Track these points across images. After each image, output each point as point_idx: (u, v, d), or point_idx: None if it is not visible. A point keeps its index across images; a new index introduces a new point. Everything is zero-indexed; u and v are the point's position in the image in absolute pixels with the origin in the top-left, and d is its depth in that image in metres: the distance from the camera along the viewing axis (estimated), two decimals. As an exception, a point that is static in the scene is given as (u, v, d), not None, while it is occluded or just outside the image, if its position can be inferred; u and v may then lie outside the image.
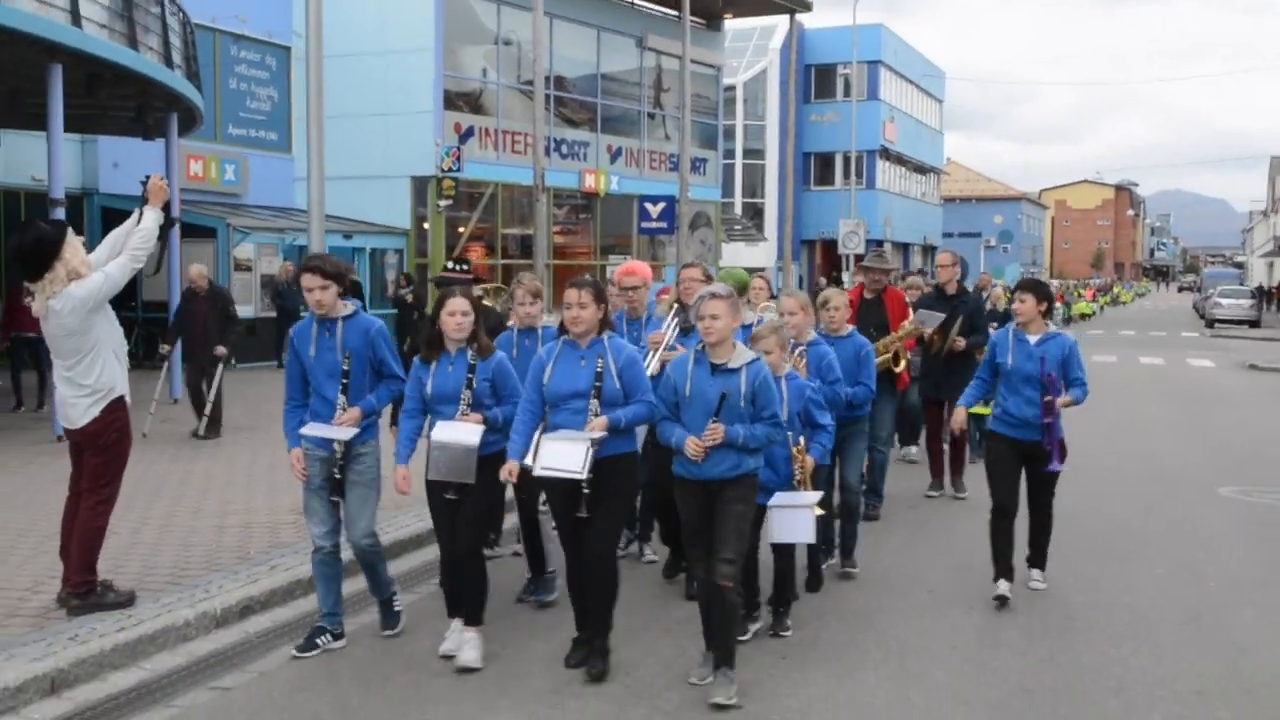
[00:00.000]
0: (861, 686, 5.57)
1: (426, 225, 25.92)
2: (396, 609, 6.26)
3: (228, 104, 23.13)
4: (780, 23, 39.42)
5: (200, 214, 20.42)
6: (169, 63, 14.66)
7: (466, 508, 5.70)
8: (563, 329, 5.87)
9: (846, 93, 40.93)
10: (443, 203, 25.46)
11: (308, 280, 5.80)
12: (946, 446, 10.28)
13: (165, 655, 5.75)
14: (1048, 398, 6.58)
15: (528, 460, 5.55)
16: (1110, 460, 12.11)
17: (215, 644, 5.95)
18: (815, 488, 6.27)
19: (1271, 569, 7.91)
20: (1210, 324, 45.67)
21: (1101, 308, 61.69)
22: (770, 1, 35.75)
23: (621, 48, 31.59)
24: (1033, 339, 6.75)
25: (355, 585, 6.52)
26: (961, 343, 9.96)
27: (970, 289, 11.50)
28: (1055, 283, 61.94)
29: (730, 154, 43.98)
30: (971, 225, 73.78)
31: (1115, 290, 77.20)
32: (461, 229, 26.97)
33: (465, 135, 26.28)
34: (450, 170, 25.28)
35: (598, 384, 5.51)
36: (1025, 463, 6.86)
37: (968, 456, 10.59)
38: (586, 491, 5.45)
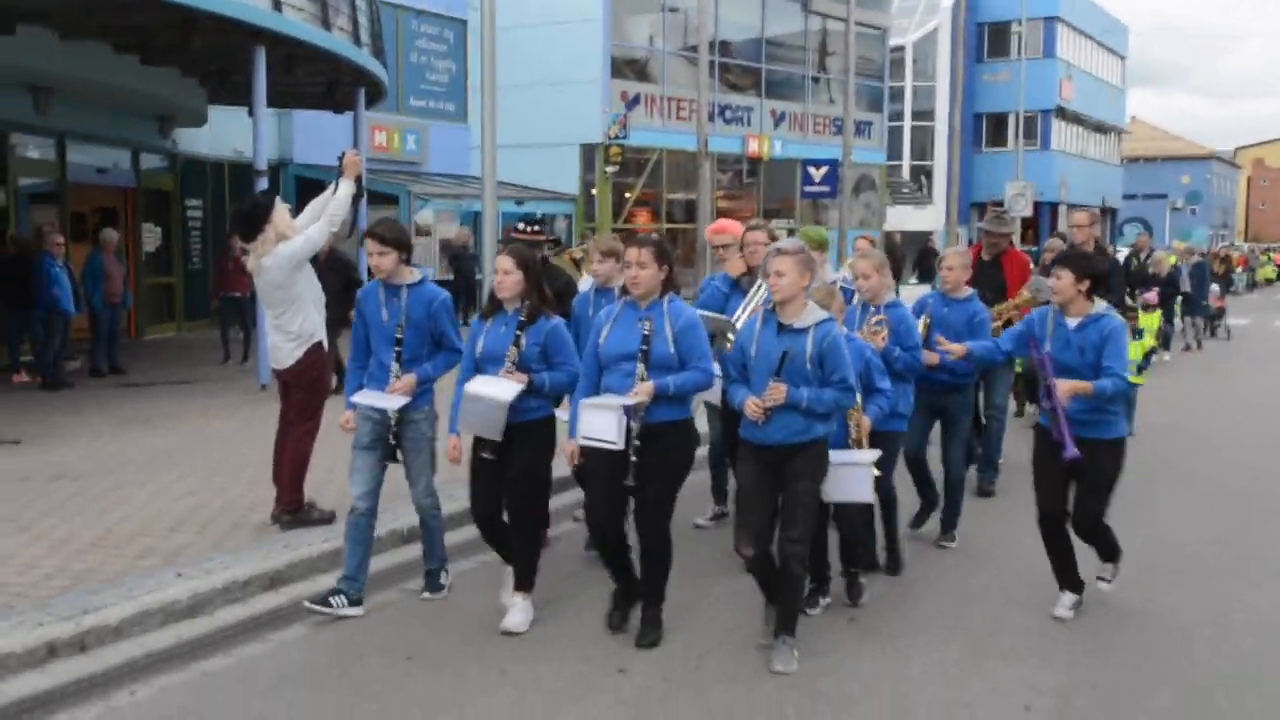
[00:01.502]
0: (928, 668, 5.33)
1: (594, 191, 26.88)
2: (442, 582, 6.30)
3: (409, 77, 24.42)
4: (952, -20, 38.96)
5: (384, 182, 21.73)
6: (357, 41, 15.80)
7: (510, 474, 5.64)
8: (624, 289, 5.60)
9: (1021, 51, 40.04)
10: (610, 169, 26.36)
11: (371, 245, 5.91)
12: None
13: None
14: (1048, 381, 5.79)
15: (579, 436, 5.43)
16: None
17: (399, 558, 6.85)
18: (874, 447, 5.93)
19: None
20: None
21: (1294, 272, 58.76)
22: (939, -40, 35.35)
23: (786, 11, 31.82)
24: (1072, 323, 5.85)
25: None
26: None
27: (1105, 249, 10.86)
28: (1243, 246, 59.38)
29: (898, 116, 43.65)
30: (1157, 186, 70.90)
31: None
32: (627, 194, 27.85)
33: (631, 103, 27.07)
34: (617, 137, 26.12)
35: (644, 347, 5.31)
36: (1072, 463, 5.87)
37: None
38: (634, 460, 5.28)
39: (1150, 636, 5.85)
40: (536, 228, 7.35)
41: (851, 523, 6.11)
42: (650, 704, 4.92)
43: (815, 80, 33.14)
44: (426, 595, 6.26)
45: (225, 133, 19.86)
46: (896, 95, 42.11)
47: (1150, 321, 12.41)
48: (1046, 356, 5.83)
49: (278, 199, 7.06)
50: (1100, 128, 54.87)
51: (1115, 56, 56.65)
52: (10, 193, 15.79)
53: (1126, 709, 4.98)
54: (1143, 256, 18.12)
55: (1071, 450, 5.75)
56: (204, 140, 20.01)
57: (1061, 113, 48.92)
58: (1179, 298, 20.66)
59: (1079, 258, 5.99)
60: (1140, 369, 11.20)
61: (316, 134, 20.99)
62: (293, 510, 7.03)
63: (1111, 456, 5.89)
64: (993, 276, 8.96)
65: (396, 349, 5.88)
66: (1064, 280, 5.82)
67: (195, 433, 10.34)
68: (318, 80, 16.24)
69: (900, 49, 43.23)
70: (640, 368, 5.30)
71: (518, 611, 5.72)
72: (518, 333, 5.56)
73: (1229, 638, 5.85)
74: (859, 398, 5.72)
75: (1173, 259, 23.26)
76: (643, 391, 5.24)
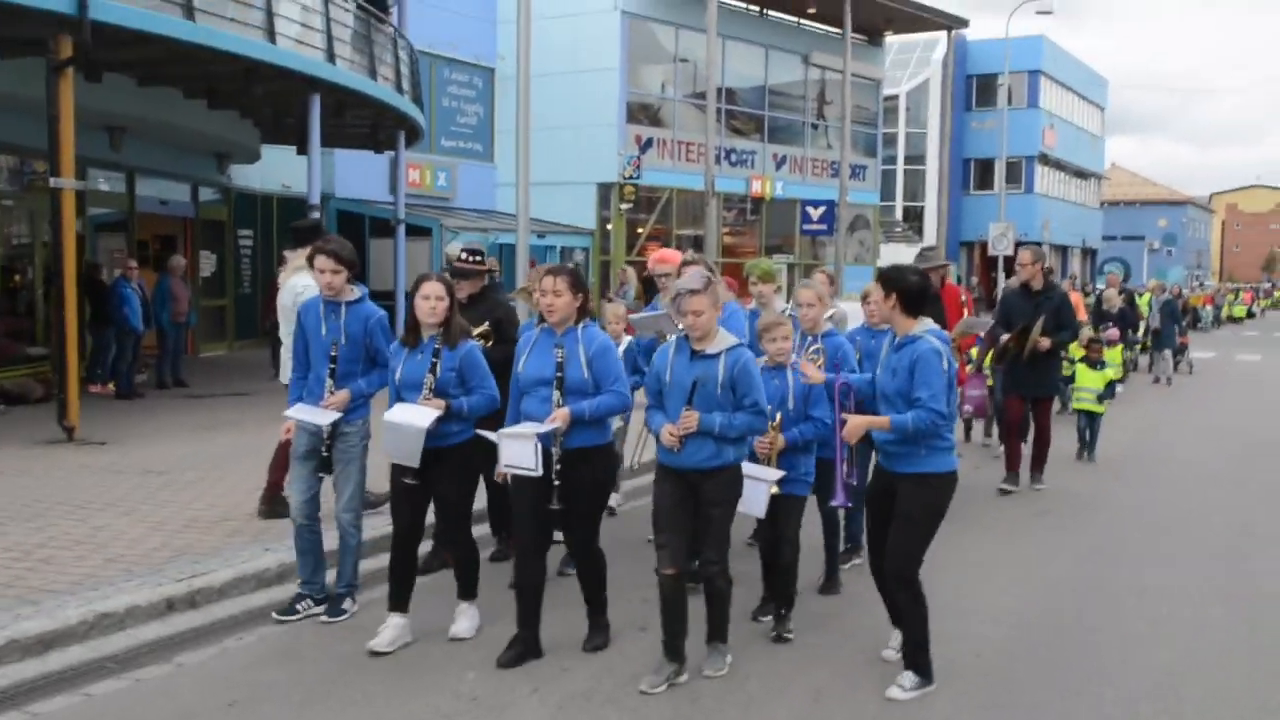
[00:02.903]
0: (853, 690, 5.04)
1: (609, 226, 27.66)
2: (344, 607, 5.96)
3: (441, 119, 25.22)
4: (943, 36, 39.69)
5: (418, 216, 22.50)
6: (399, 89, 16.62)
7: (437, 498, 5.57)
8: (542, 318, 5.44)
9: (1006, 101, 40.86)
10: (624, 206, 27.15)
11: (322, 262, 5.75)
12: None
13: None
14: (844, 415, 5.27)
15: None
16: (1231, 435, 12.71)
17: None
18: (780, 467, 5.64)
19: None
20: (1373, 326, 43.84)
21: (1263, 310, 59.44)
22: (928, 20, 36.19)
23: (787, 64, 32.68)
24: (894, 344, 5.19)
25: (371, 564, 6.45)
26: (1046, 342, 9.40)
27: (1057, 285, 10.63)
28: (1210, 286, 60.00)
29: (892, 160, 44.44)
30: (1135, 229, 71.68)
31: (1278, 294, 73.77)
32: (640, 230, 28.62)
33: (645, 145, 27.87)
34: (631, 177, 26.91)
35: (559, 374, 5.21)
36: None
37: (1080, 453, 11.20)
38: (556, 484, 5.19)
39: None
40: (478, 258, 7.02)
41: (786, 543, 5.84)
42: (577, 707, 4.83)
43: (814, 126, 33.96)
44: (325, 619, 5.89)
45: (274, 169, 20.63)
46: (890, 141, 42.97)
47: (1114, 356, 12.97)
48: (839, 385, 5.43)
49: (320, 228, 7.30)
50: (1080, 173, 55.68)
51: (1095, 107, 57.52)
52: (84, 223, 16.57)
53: None
54: (1102, 296, 18.84)
55: (839, 497, 5.52)
56: (255, 175, 20.81)
57: (1044, 159, 49.75)
58: (1139, 332, 21.32)
59: (887, 274, 5.27)
60: (1101, 398, 11.72)
61: (356, 170, 21.83)
62: (272, 493, 7.41)
63: (921, 494, 5.03)
64: (932, 313, 8.57)
65: (332, 365, 5.76)
66: (875, 296, 5.31)
67: (257, 436, 10.99)
68: (363, 123, 17.05)
69: (894, 98, 44.11)
70: (556, 394, 5.20)
71: (465, 619, 5.66)
72: (433, 359, 5.43)
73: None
74: (779, 414, 5.63)
75: (1145, 297, 23.97)
76: (559, 418, 5.14)
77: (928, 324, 5.11)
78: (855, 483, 5.89)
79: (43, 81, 10.48)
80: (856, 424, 5.09)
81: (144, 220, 18.17)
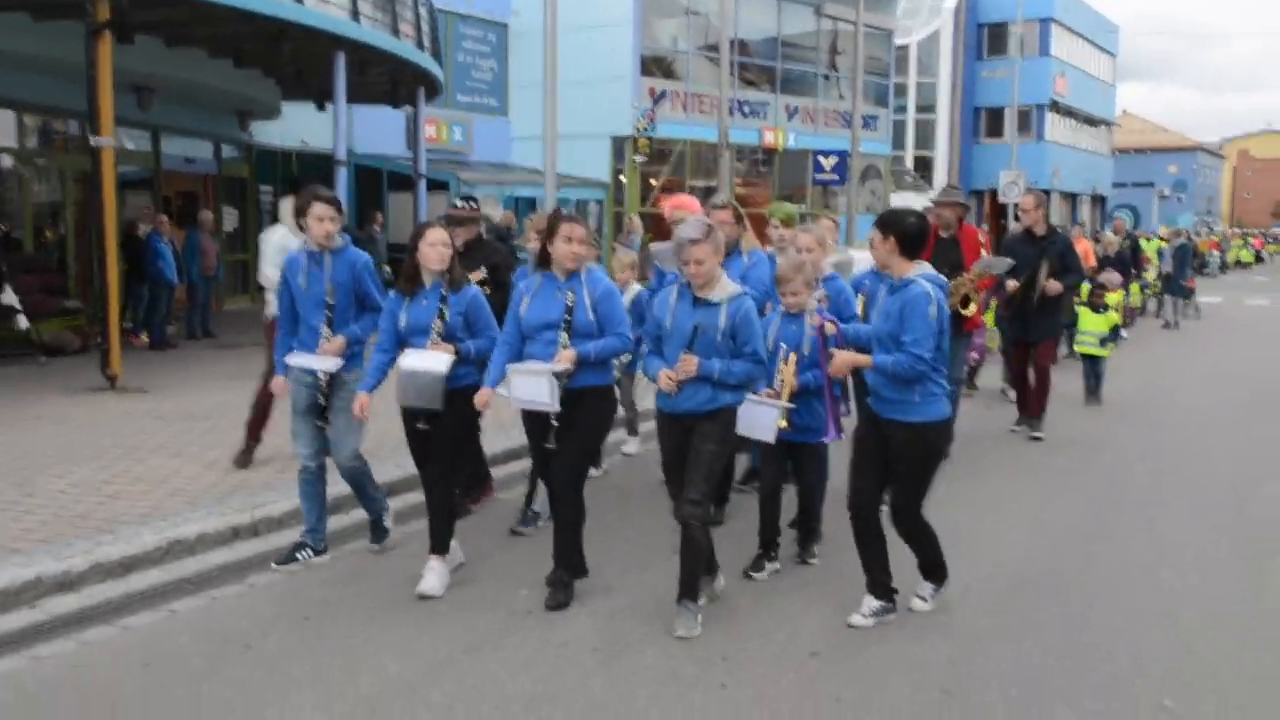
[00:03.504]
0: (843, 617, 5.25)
1: (623, 178, 27.89)
2: (386, 526, 6.23)
3: (456, 75, 25.38)
4: (954, -16, 39.68)
5: (436, 170, 22.75)
6: (420, 45, 16.84)
7: (437, 438, 5.57)
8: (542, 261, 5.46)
9: (1018, 50, 40.75)
10: (639, 159, 27.35)
11: (322, 210, 5.75)
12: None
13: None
14: (830, 350, 5.40)
15: (501, 390, 5.39)
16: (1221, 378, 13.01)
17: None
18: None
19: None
20: (1382, 271, 43.88)
21: (1272, 255, 59.41)
22: (941, -33, 36.07)
23: (799, 14, 32.68)
24: (890, 287, 5.20)
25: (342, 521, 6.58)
26: (1057, 285, 9.47)
27: (1059, 229, 10.56)
28: (1218, 230, 59.85)
29: (902, 110, 44.39)
30: (1145, 176, 71.32)
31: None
32: (654, 181, 28.83)
33: (658, 98, 27.98)
34: (645, 130, 27.06)
35: (568, 316, 5.26)
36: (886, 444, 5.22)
37: (1087, 397, 11.33)
38: (555, 424, 5.27)
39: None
40: (473, 204, 7.13)
41: (809, 488, 6.15)
42: (624, 617, 5.11)
43: (826, 77, 34.00)
44: (374, 547, 6.15)
45: (294, 125, 20.84)
46: (901, 91, 42.90)
47: (1114, 299, 13.17)
48: (820, 326, 5.51)
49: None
50: (1091, 121, 55.45)
51: (1106, 54, 57.17)
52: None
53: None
54: (1119, 240, 18.96)
55: (832, 433, 5.62)
56: (275, 132, 21.06)
57: (1055, 107, 49.58)
58: (1155, 277, 21.54)
59: (885, 216, 5.25)
60: (1103, 342, 11.94)
61: (374, 126, 22.06)
62: (253, 444, 7.67)
63: (917, 442, 5.12)
64: (950, 253, 8.57)
65: (327, 313, 5.74)
66: (875, 241, 5.22)
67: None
68: (384, 80, 17.27)
69: (905, 48, 43.99)
70: (563, 336, 5.26)
71: (433, 575, 5.56)
72: (441, 305, 5.47)
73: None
74: (793, 355, 5.77)
75: (1155, 243, 24.16)
76: (566, 358, 5.20)
77: (924, 268, 5.12)
78: (847, 414, 5.99)
79: (69, 44, 10.75)
80: (843, 359, 5.23)
81: (169, 178, 18.49)
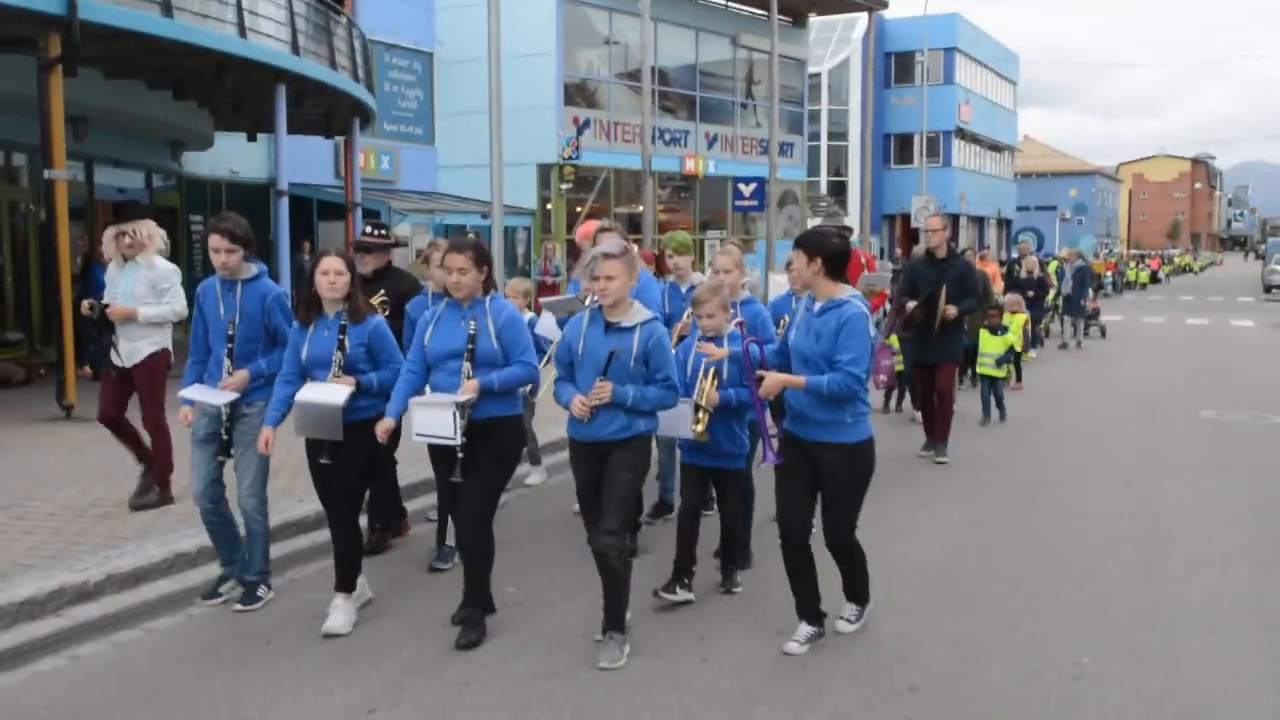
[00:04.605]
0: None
1: (549, 206, 28.45)
2: (259, 594, 5.84)
3: (383, 104, 25.66)
4: (863, 15, 40.94)
5: (366, 199, 23.07)
6: (355, 77, 17.24)
7: (341, 472, 5.42)
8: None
9: (924, 78, 42.35)
10: (564, 186, 27.92)
11: (216, 241, 5.59)
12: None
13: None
14: (759, 373, 5.19)
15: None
16: (1121, 389, 13.97)
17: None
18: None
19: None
20: (1267, 290, 46.18)
21: (1168, 276, 62.12)
22: (850, 1, 37.37)
23: (717, 45, 33.66)
24: (816, 307, 5.11)
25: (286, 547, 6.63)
26: (952, 310, 9.45)
27: (960, 253, 10.68)
28: (1116, 253, 62.39)
29: (815, 137, 45.73)
30: (1047, 199, 74.11)
31: (1179, 260, 76.89)
32: (579, 209, 29.43)
33: (582, 127, 28.61)
34: (570, 158, 27.64)
35: (470, 345, 5.13)
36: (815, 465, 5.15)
37: (983, 418, 11.62)
38: (460, 456, 5.12)
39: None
40: (383, 232, 7.01)
41: (732, 514, 6.09)
42: (458, 702, 4.69)
43: (743, 105, 35.01)
44: (239, 608, 5.77)
45: (223, 155, 21.06)
46: (814, 118, 44.22)
47: (1015, 322, 13.70)
48: (747, 346, 5.32)
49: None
50: (995, 146, 57.62)
51: (1008, 82, 59.48)
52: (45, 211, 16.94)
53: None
54: (1021, 263, 20.02)
55: (771, 457, 5.32)
56: (205, 162, 21.21)
57: (961, 133, 51.51)
58: (1055, 298, 22.53)
59: (808, 238, 5.18)
60: (999, 363, 12.23)
61: (300, 156, 22.23)
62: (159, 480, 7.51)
63: (852, 463, 5.10)
64: None
65: (229, 345, 5.63)
66: (798, 263, 5.17)
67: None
68: (319, 111, 17.61)
69: (817, 76, 45.37)
70: (466, 366, 5.13)
71: (339, 614, 5.43)
72: (340, 336, 5.35)
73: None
74: (713, 370, 5.76)
75: (1054, 264, 25.33)
76: (470, 389, 5.08)
77: (850, 289, 5.10)
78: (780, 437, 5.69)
79: (12, 78, 10.92)
80: (774, 380, 5.07)
81: (101, 208, 18.54)
